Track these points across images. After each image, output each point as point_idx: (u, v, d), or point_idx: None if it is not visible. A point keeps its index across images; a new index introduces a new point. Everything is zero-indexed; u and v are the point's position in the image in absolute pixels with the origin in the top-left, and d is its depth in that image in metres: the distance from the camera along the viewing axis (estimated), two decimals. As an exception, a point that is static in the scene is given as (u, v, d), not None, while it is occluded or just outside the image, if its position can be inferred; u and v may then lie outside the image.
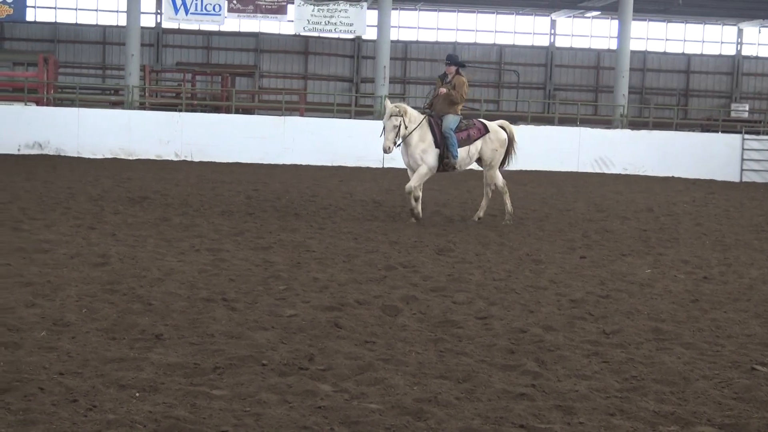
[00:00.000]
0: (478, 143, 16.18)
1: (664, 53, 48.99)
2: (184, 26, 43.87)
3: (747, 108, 45.39)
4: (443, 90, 15.79)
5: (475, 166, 16.81)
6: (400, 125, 15.34)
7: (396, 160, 24.79)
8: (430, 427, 5.72)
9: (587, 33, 48.64)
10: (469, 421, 5.86)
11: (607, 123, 36.47)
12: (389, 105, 15.52)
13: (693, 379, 6.95)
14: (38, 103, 32.24)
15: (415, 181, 15.61)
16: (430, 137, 15.59)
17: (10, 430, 5.33)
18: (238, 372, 6.67)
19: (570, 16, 47.13)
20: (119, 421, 5.54)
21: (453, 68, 16.11)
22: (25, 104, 31.07)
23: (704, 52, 49.27)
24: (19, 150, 28.89)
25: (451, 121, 15.79)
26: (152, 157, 29.25)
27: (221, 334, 7.68)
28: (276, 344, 7.44)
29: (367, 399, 6.22)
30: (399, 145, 15.52)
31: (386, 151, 15.49)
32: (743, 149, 32.32)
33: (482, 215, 16.51)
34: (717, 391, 6.70)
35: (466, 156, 16.05)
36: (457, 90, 15.86)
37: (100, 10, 45.28)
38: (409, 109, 15.67)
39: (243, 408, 5.93)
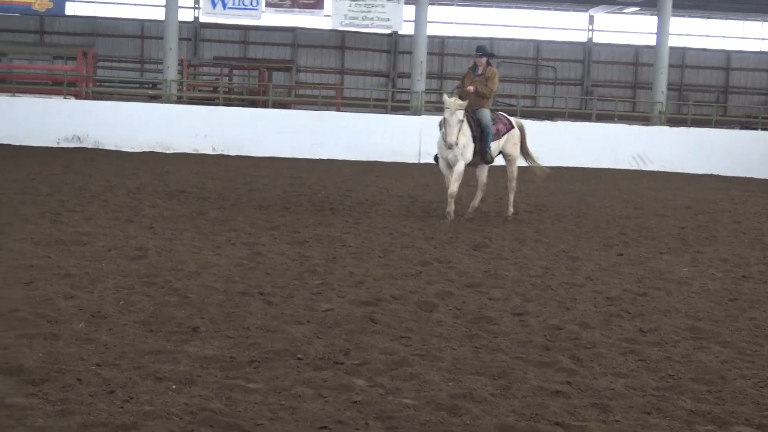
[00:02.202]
0: (504, 138, 16.13)
1: (704, 50, 48.52)
2: (221, 21, 43.93)
3: (788, 105, 44.88)
4: (471, 89, 15.54)
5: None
6: (463, 119, 15.15)
7: (432, 155, 24.77)
8: (465, 423, 5.71)
9: (626, 29, 48.26)
10: (504, 417, 5.85)
11: (645, 120, 36.19)
12: (451, 100, 15.08)
13: (731, 378, 6.89)
14: (77, 96, 32.48)
15: (456, 184, 15.44)
16: (469, 131, 15.44)
17: (48, 420, 5.38)
18: (273, 366, 6.69)
19: (608, 12, 46.79)
20: (155, 413, 5.57)
21: (484, 59, 15.89)
22: (65, 98, 31.31)
23: (744, 49, 48.77)
24: (58, 143, 29.12)
25: (487, 115, 15.70)
26: (189, 151, 29.38)
27: (257, 328, 7.71)
28: (311, 338, 7.46)
29: (401, 394, 6.21)
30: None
31: (452, 146, 15.06)
32: (783, 147, 31.96)
33: (512, 210, 16.46)
34: (755, 390, 6.63)
35: (495, 150, 16.00)
36: (489, 83, 15.72)
37: (138, 5, 45.52)
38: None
39: (278, 402, 5.95)
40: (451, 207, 15.49)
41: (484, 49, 16.12)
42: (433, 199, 18.70)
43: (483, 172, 16.39)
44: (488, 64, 15.93)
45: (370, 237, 13.25)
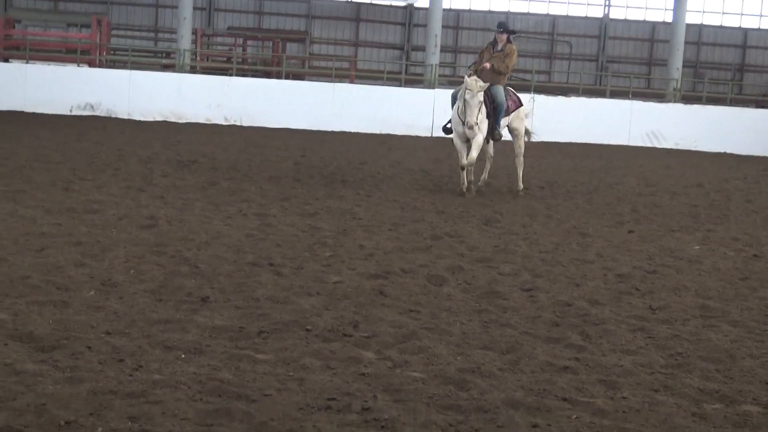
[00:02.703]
0: (512, 114, 16.11)
1: (721, 27, 48.21)
2: (236, -9, 43.96)
3: (804, 84, 44.60)
4: (488, 65, 15.51)
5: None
6: (482, 100, 15.09)
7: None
8: (473, 397, 5.72)
9: (642, 5, 47.96)
10: (512, 392, 5.85)
11: (660, 97, 36.04)
12: (472, 80, 14.95)
13: (739, 357, 6.88)
14: (91, 64, 32.49)
15: (476, 152, 15.39)
16: (484, 108, 15.40)
17: (57, 387, 5.41)
18: (282, 337, 6.71)
19: (625, -12, 46.50)
20: (164, 382, 5.60)
21: (504, 36, 15.82)
22: (78, 65, 31.31)
23: (762, 27, 48.41)
24: (71, 111, 29.16)
25: (501, 92, 15.65)
26: (202, 120, 29.39)
27: (266, 299, 7.73)
28: (321, 310, 7.47)
29: (410, 367, 6.22)
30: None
31: (473, 126, 14.97)
32: (798, 126, 31.76)
33: (522, 185, 16.41)
34: (763, 369, 6.62)
35: (503, 126, 16.01)
36: (507, 60, 15.65)
37: (153, -27, 45.47)
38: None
39: (287, 372, 5.97)
40: (470, 177, 15.45)
41: (505, 26, 16.09)
42: (445, 173, 18.69)
43: (490, 146, 16.46)
44: (508, 41, 15.85)
45: (381, 210, 13.25)
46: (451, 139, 15.93)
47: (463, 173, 15.53)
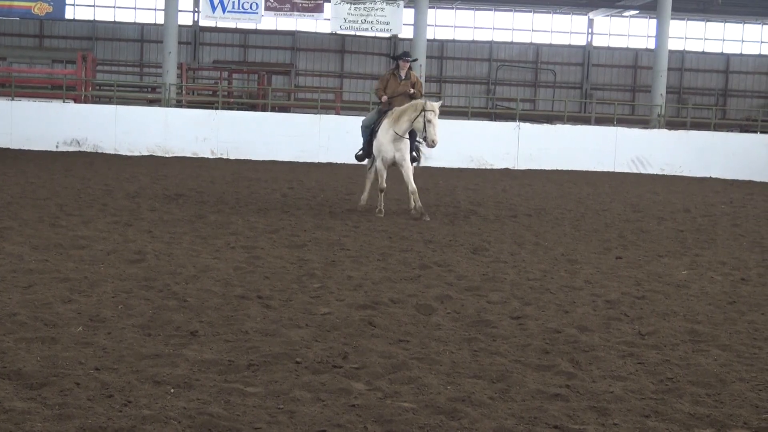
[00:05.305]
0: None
1: (703, 53, 48.59)
2: (221, 24, 44.14)
3: (787, 108, 44.82)
4: (412, 91, 16.22)
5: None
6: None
7: (431, 158, 24.76)
8: (464, 427, 5.71)
9: (625, 32, 48.33)
10: (503, 421, 5.84)
11: (645, 123, 36.21)
12: (430, 103, 15.58)
13: (729, 381, 6.89)
14: (76, 100, 32.51)
15: (412, 179, 16.12)
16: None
17: (46, 425, 5.38)
18: (272, 369, 6.69)
19: (608, 15, 46.85)
20: (154, 417, 5.57)
21: (407, 64, 16.53)
22: (64, 101, 31.32)
23: (744, 52, 48.81)
24: (57, 147, 29.13)
25: None
26: (188, 154, 29.39)
27: (256, 332, 7.71)
28: (310, 342, 7.45)
29: (400, 398, 6.21)
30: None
31: (437, 144, 15.70)
32: (782, 150, 31.93)
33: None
34: (754, 393, 6.63)
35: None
36: (417, 87, 16.42)
37: (138, 8, 45.62)
38: None
39: (276, 405, 5.95)
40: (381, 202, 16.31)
41: (410, 55, 16.94)
42: (431, 202, 18.70)
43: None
44: (409, 68, 16.59)
45: (369, 240, 13.25)
46: (364, 165, 16.84)
47: (382, 195, 16.27)
